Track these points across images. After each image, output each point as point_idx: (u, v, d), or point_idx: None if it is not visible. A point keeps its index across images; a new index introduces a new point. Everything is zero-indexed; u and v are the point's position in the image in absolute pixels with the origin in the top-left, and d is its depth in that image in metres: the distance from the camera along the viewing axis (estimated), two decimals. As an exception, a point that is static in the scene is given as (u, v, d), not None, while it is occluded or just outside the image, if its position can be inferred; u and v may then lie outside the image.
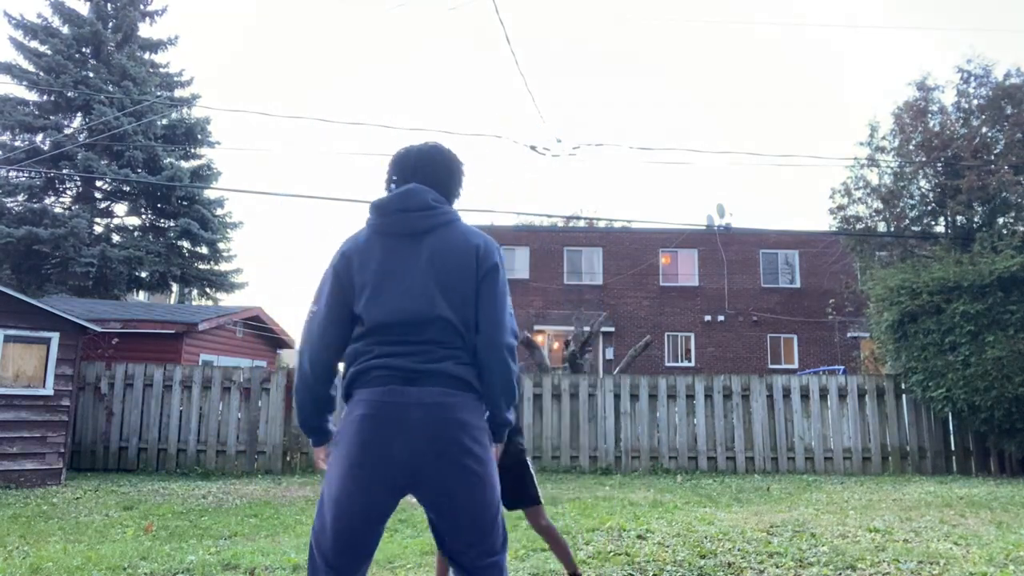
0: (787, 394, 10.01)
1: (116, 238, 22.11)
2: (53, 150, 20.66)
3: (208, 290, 23.68)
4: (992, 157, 15.57)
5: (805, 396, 9.99)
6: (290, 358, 30.93)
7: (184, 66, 25.92)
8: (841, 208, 17.59)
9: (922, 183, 16.75)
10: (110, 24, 22.91)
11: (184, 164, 22.75)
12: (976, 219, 15.96)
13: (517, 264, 25.14)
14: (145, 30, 23.83)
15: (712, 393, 10.06)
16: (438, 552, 3.12)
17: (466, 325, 2.05)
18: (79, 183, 21.72)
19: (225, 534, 5.38)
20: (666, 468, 9.80)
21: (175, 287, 24.34)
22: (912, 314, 9.63)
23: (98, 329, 9.58)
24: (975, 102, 16.15)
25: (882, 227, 17.24)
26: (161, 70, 23.70)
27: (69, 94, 20.99)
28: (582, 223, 32.72)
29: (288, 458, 9.85)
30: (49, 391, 8.40)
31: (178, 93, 23.83)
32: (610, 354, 23.63)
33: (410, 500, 2.14)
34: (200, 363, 13.43)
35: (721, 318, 24.84)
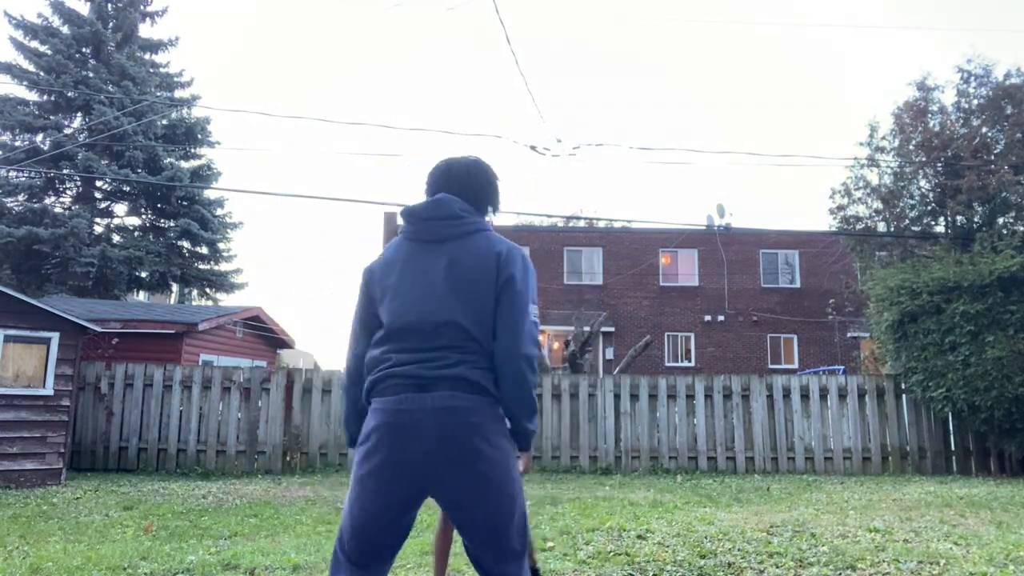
0: (787, 394, 10.01)
1: (116, 238, 22.11)
2: (53, 150, 20.66)
3: (208, 290, 23.67)
4: (992, 157, 15.57)
5: (805, 396, 9.99)
6: (290, 358, 30.95)
7: (184, 66, 25.97)
8: (841, 208, 17.60)
9: (922, 183, 16.75)
10: (110, 24, 22.91)
11: (184, 164, 22.75)
12: (976, 219, 15.96)
13: (517, 264, 25.09)
14: (145, 30, 23.86)
15: (712, 393, 10.06)
16: (435, 549, 3.12)
17: (483, 331, 2.05)
18: (79, 183, 21.73)
19: (225, 534, 5.38)
20: (666, 468, 9.80)
21: (175, 287, 24.34)
22: (912, 314, 9.62)
23: (98, 329, 9.58)
24: (975, 102, 16.15)
25: (882, 227, 17.24)
26: (161, 70, 23.71)
27: (69, 94, 20.99)
28: (582, 223, 32.72)
29: (288, 458, 9.85)
30: (49, 391, 8.40)
31: (178, 93, 23.84)
32: (610, 354, 23.62)
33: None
34: (200, 363, 13.43)
35: (721, 318, 24.84)
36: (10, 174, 20.78)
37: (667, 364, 24.11)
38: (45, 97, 21.59)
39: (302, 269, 77.00)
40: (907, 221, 16.82)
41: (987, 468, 9.61)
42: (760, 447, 9.87)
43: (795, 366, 23.67)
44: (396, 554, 2.09)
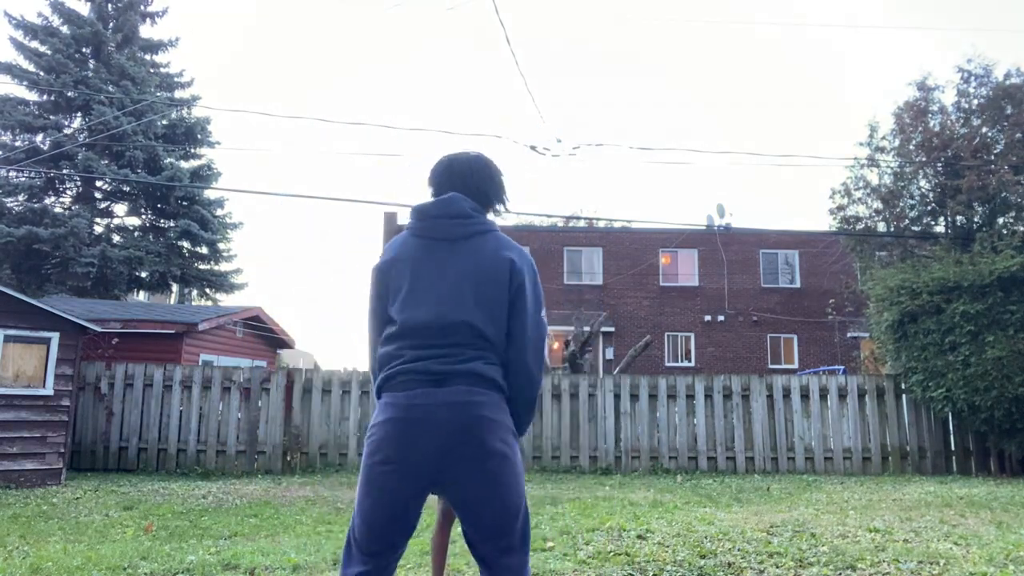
0: (787, 394, 10.01)
1: (116, 238, 22.11)
2: (53, 150, 20.66)
3: (208, 290, 23.68)
4: (992, 157, 15.58)
5: (805, 396, 9.99)
6: (290, 358, 30.94)
7: (184, 66, 26.02)
8: (841, 208, 17.60)
9: (922, 183, 16.75)
10: (111, 25, 22.92)
11: (184, 164, 22.76)
12: (976, 219, 15.97)
13: (517, 264, 25.09)
14: (146, 31, 23.88)
15: (712, 393, 10.06)
16: (433, 547, 3.12)
17: (496, 332, 2.10)
18: (79, 183, 21.73)
19: (225, 534, 5.38)
20: (666, 468, 9.80)
21: (175, 287, 24.35)
22: (912, 314, 9.62)
23: (98, 329, 9.58)
24: (975, 102, 16.15)
25: (882, 227, 17.25)
26: (161, 70, 23.73)
27: (69, 94, 20.99)
28: (582, 223, 32.72)
29: (288, 458, 9.84)
30: (49, 391, 8.40)
31: (178, 93, 23.85)
32: (610, 354, 23.62)
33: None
34: (200, 363, 13.43)
35: (721, 318, 24.84)
36: (10, 174, 20.79)
37: (667, 364, 24.10)
38: (45, 97, 21.60)
39: (302, 269, 77.02)
40: (907, 221, 16.83)
41: (987, 468, 9.61)
42: (760, 447, 9.87)
43: (795, 366, 23.67)
44: (406, 544, 2.12)
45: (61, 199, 22.14)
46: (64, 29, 22.03)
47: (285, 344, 18.74)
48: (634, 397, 10.08)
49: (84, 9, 22.81)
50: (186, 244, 22.82)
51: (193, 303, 23.88)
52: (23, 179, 21.12)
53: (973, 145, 15.50)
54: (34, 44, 21.79)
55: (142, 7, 23.60)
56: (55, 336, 8.48)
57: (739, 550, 4.53)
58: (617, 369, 15.32)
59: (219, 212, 23.23)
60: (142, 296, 25.65)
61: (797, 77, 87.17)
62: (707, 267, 25.36)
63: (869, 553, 4.39)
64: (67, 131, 21.64)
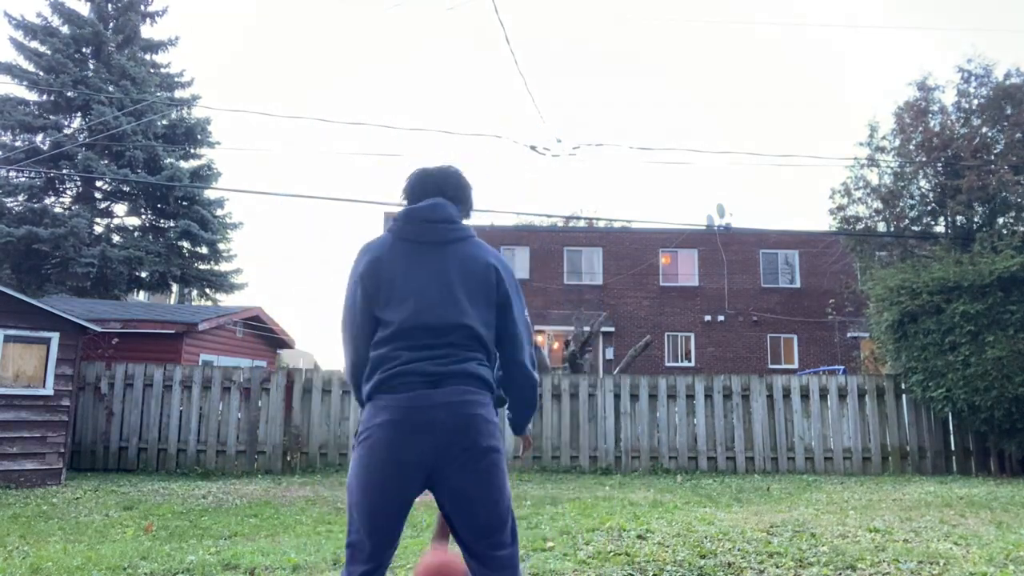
0: (787, 394, 10.00)
1: (116, 238, 22.10)
2: (53, 150, 20.65)
3: (208, 290, 23.67)
4: (992, 157, 15.58)
5: (805, 396, 9.99)
6: (290, 358, 30.94)
7: (184, 66, 26.00)
8: (841, 208, 17.60)
9: (922, 183, 16.75)
10: (111, 25, 22.91)
11: (184, 164, 22.75)
12: (976, 219, 15.97)
13: (517, 264, 25.12)
14: (146, 31, 23.87)
15: (712, 393, 10.06)
16: (435, 535, 3.11)
17: (488, 332, 2.18)
18: (79, 183, 21.72)
19: (225, 534, 5.38)
20: (666, 468, 9.80)
21: (175, 287, 24.34)
22: (912, 314, 9.62)
23: (98, 329, 9.58)
24: (975, 102, 16.15)
25: (882, 227, 17.25)
26: (162, 70, 23.72)
27: (69, 94, 20.99)
28: (582, 223, 32.72)
29: (288, 458, 9.84)
30: (49, 391, 8.40)
31: (178, 93, 23.84)
32: (610, 354, 23.62)
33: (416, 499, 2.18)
34: (200, 363, 13.42)
35: (721, 318, 24.83)
36: (10, 174, 20.78)
37: (667, 364, 24.10)
38: (45, 97, 21.59)
39: (302, 269, 77.02)
40: (907, 221, 16.82)
41: (987, 468, 9.61)
42: (760, 447, 9.87)
43: (795, 366, 23.67)
44: (398, 539, 2.18)
45: (61, 199, 22.13)
46: (64, 29, 22.03)
47: (285, 344, 18.73)
48: (634, 397, 10.08)
49: (84, 9, 22.81)
50: (186, 244, 22.81)
51: (193, 303, 23.87)
52: (23, 179, 21.12)
53: (973, 145, 15.50)
54: (34, 44, 21.78)
55: (142, 7, 23.59)
56: (55, 336, 8.48)
57: (739, 550, 4.53)
58: (617, 369, 15.32)
59: (219, 212, 23.22)
60: (142, 296, 25.65)
61: (797, 77, 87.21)
62: (707, 267, 25.36)
63: (869, 553, 4.39)
64: (67, 131, 21.63)
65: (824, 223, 25.24)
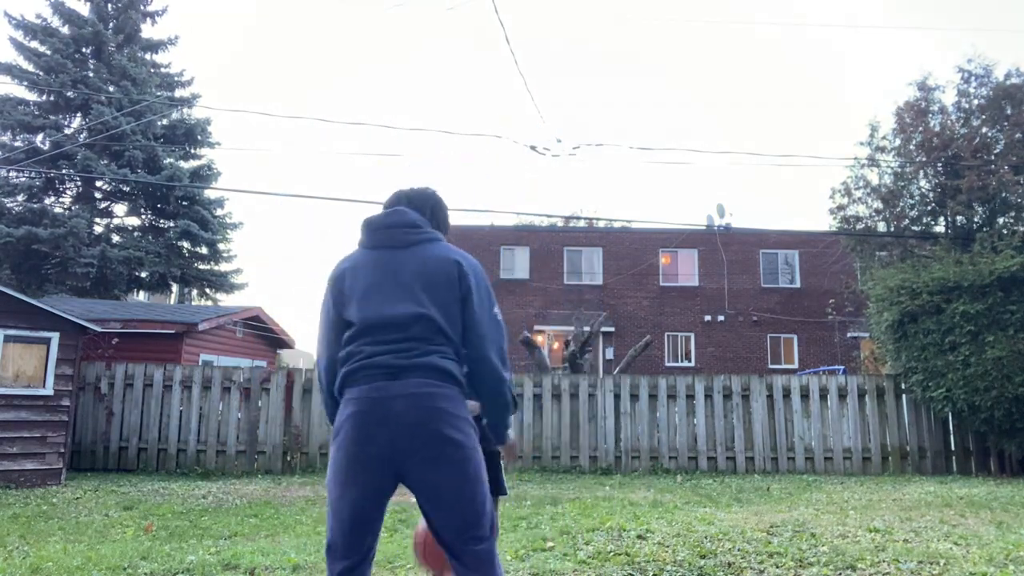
0: (787, 394, 10.00)
1: (116, 238, 22.09)
2: (53, 150, 20.65)
3: (208, 290, 23.66)
4: (992, 157, 15.58)
5: (805, 396, 9.99)
6: (290, 358, 30.93)
7: (184, 66, 25.96)
8: (841, 208, 17.60)
9: (922, 183, 16.75)
10: (111, 24, 22.90)
11: (184, 164, 22.73)
12: (976, 219, 15.97)
13: (517, 264, 25.14)
14: (146, 30, 23.84)
15: (712, 393, 10.06)
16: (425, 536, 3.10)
17: (451, 328, 2.18)
18: (79, 183, 21.71)
19: (225, 534, 5.38)
20: (666, 468, 9.80)
21: (175, 287, 24.33)
22: (912, 314, 9.62)
23: (98, 329, 9.58)
24: (975, 102, 16.15)
25: (882, 227, 17.24)
26: (162, 70, 23.69)
27: (69, 94, 20.98)
28: (582, 223, 32.73)
29: (288, 458, 9.84)
30: (49, 391, 8.40)
31: (178, 93, 23.82)
32: (610, 354, 23.62)
33: (410, 500, 2.18)
34: (200, 363, 13.42)
35: (721, 318, 24.83)
36: (10, 174, 20.78)
37: (667, 364, 24.10)
38: (45, 97, 21.57)
39: (302, 269, 77.01)
40: (907, 221, 16.82)
41: (987, 468, 9.61)
42: (760, 447, 9.87)
43: (795, 366, 23.66)
44: (377, 541, 2.17)
45: (61, 199, 22.12)
46: (64, 29, 22.01)
47: (285, 344, 18.73)
48: (634, 397, 10.08)
49: (84, 9, 22.78)
50: (186, 244, 22.80)
51: (193, 303, 23.87)
52: (23, 179, 21.11)
53: (973, 145, 15.50)
54: (34, 44, 21.76)
55: (142, 7, 23.56)
56: (55, 336, 8.48)
57: (739, 550, 4.53)
58: (617, 369, 15.31)
59: (219, 212, 23.21)
60: (142, 296, 25.64)
61: (797, 77, 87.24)
62: (707, 267, 25.36)
63: (869, 553, 4.38)
64: (67, 131, 21.62)
65: (824, 223, 25.27)
